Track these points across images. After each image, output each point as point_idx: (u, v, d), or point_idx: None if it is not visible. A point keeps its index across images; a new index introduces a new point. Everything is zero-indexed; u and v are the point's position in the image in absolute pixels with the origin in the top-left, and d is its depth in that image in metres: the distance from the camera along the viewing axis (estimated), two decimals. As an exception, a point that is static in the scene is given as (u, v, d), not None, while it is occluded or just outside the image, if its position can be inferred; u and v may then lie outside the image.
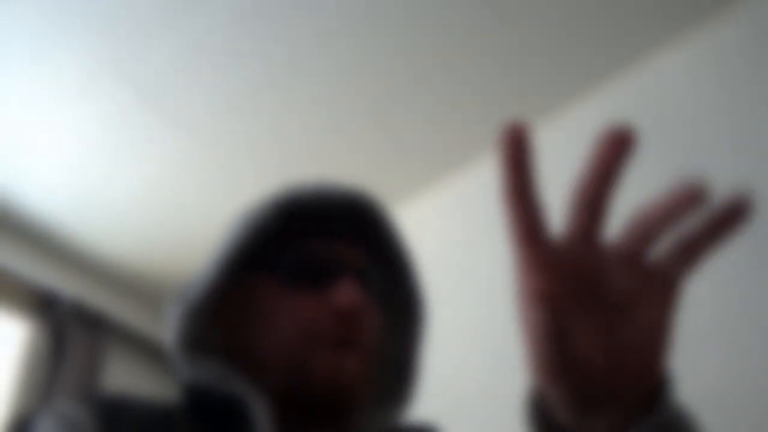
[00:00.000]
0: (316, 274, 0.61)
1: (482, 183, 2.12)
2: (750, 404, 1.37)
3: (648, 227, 0.35)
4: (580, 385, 0.34)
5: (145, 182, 2.13)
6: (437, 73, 1.87)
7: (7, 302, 2.21)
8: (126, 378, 2.39)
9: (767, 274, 1.47)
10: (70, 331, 2.23)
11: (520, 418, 0.44)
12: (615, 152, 0.33)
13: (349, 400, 0.58)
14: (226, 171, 2.11)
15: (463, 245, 2.06)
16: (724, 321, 1.47)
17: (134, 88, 1.84)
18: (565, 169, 1.97)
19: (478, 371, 1.80)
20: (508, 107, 1.98)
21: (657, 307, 0.35)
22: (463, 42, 1.80)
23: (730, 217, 0.34)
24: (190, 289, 0.62)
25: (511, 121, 0.31)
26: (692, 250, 0.35)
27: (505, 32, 1.78)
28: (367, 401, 0.64)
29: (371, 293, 0.64)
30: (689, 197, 0.33)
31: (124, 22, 1.68)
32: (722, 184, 1.39)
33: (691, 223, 0.35)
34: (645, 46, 1.84)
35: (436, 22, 1.74)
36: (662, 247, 0.36)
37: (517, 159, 0.33)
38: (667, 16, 1.77)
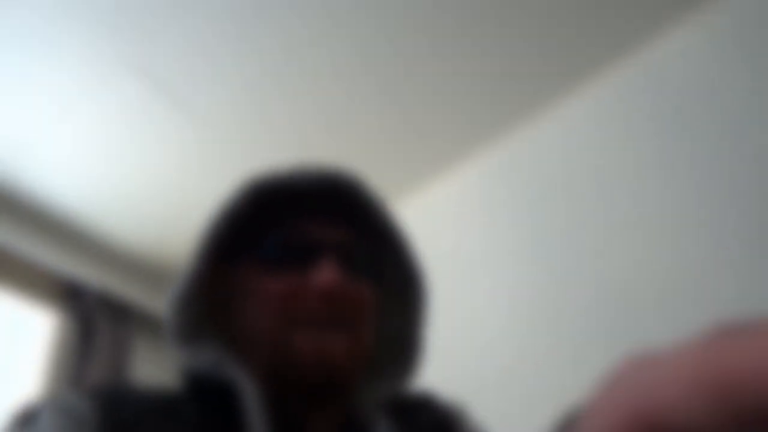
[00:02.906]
0: (296, 256, 0.60)
1: (486, 173, 2.10)
2: None
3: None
4: None
5: (167, 172, 2.15)
6: (440, 65, 1.85)
7: (34, 293, 2.26)
8: (153, 365, 2.43)
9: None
10: (97, 320, 2.28)
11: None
12: None
13: (338, 378, 0.57)
14: (243, 158, 2.12)
15: (470, 234, 2.05)
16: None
17: (149, 79, 1.85)
18: (577, 150, 1.95)
19: (488, 357, 1.80)
20: (511, 97, 1.96)
21: None
22: (469, 32, 1.77)
23: None
24: (179, 279, 0.62)
25: None
26: None
27: (511, 20, 1.75)
28: (361, 378, 0.63)
29: (359, 272, 0.62)
30: None
31: (137, 13, 1.69)
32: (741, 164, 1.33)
33: None
34: (650, 28, 1.80)
35: (442, 16, 1.73)
36: None
37: None
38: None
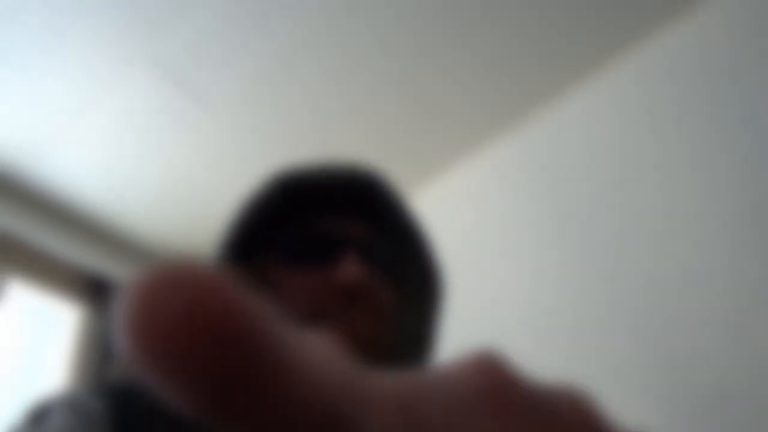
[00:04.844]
0: (319, 252, 0.61)
1: (506, 160, 2.08)
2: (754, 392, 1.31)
3: None
4: None
5: (188, 166, 2.17)
6: (456, 52, 1.84)
7: (60, 287, 2.29)
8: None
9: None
10: (121, 313, 2.31)
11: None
12: None
13: (365, 357, 0.58)
14: (261, 150, 2.13)
15: (489, 222, 2.03)
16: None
17: (167, 73, 1.87)
18: (596, 137, 1.92)
19: (507, 345, 1.78)
20: (528, 83, 1.94)
21: None
22: (484, 18, 1.75)
23: None
24: None
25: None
26: None
27: (527, 5, 1.73)
28: (380, 366, 0.63)
29: (380, 268, 0.63)
30: None
31: (153, 7, 1.69)
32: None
33: None
34: (671, 11, 1.76)
35: (458, 2, 1.71)
36: None
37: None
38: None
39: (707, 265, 1.50)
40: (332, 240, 0.61)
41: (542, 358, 1.70)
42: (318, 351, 0.12)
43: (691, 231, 1.56)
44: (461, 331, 1.88)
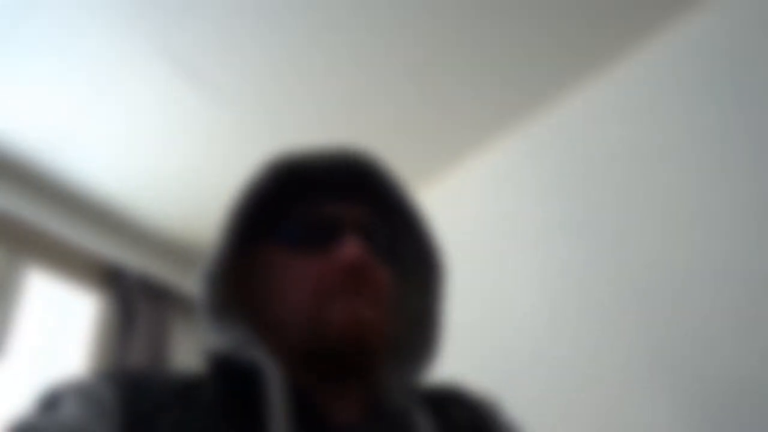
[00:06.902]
0: (319, 236, 0.61)
1: (514, 153, 2.07)
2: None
3: None
4: None
5: (201, 155, 2.19)
6: (464, 46, 1.83)
7: (78, 277, 2.33)
8: (191, 344, 2.49)
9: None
10: (137, 302, 2.34)
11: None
12: None
13: (368, 345, 0.58)
14: (273, 140, 2.14)
15: (498, 215, 2.02)
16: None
17: (178, 62, 1.88)
18: (602, 131, 1.90)
19: (518, 339, 1.78)
20: (532, 82, 1.93)
21: None
22: (494, 10, 1.74)
23: None
24: (208, 259, 0.63)
25: None
26: None
27: (532, 5, 1.72)
28: (389, 354, 0.63)
29: (380, 250, 0.63)
30: None
31: (164, 0, 1.71)
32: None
33: None
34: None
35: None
36: None
37: None
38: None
39: (718, 258, 1.48)
40: (332, 224, 0.62)
41: (551, 354, 1.69)
42: None
43: (702, 225, 1.54)
44: (471, 328, 1.89)
